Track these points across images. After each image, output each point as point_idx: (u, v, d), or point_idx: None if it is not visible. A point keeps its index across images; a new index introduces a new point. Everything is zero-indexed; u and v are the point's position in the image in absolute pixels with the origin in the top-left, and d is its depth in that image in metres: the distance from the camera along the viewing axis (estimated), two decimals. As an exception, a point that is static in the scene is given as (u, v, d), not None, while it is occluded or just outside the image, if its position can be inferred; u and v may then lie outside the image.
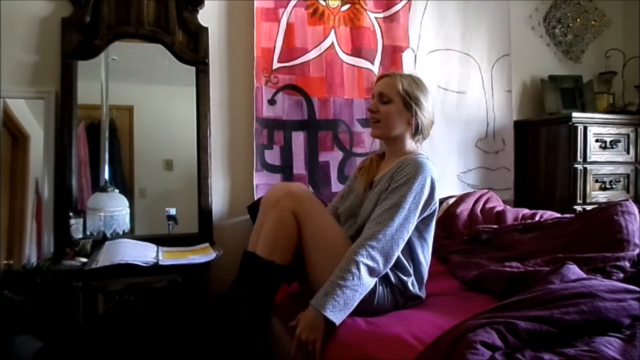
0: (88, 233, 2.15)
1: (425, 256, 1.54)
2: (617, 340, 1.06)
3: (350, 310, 1.32)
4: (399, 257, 1.43)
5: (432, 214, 1.52)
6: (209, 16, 2.45)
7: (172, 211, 2.35)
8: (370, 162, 1.67)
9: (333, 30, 2.62)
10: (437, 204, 1.53)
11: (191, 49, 2.38)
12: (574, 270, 1.44)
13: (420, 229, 1.49)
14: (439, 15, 2.83)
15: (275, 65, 2.54)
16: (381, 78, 1.58)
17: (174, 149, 2.46)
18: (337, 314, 1.28)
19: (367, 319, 1.37)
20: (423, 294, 1.55)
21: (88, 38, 2.24)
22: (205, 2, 2.41)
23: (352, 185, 1.70)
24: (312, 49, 2.59)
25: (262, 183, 2.51)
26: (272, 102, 2.53)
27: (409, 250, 1.49)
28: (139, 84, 2.47)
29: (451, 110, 2.87)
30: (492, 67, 2.95)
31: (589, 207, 2.46)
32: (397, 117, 1.52)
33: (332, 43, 2.61)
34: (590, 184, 2.72)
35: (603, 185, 2.75)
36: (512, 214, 2.26)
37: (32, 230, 2.20)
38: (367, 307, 1.38)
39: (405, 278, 1.46)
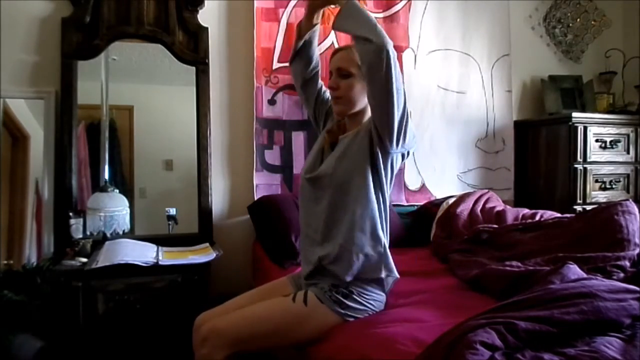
0: (88, 233, 2.15)
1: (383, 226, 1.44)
2: (617, 340, 1.06)
3: (363, 18, 1.30)
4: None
5: (392, 171, 1.44)
6: (209, 16, 2.45)
7: (172, 211, 2.35)
8: (337, 125, 1.59)
9: (333, 30, 2.61)
10: (399, 160, 1.45)
11: (191, 49, 2.38)
12: (574, 270, 1.44)
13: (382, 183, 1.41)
14: (439, 15, 2.83)
15: (275, 65, 2.54)
16: (336, 52, 1.52)
17: (174, 149, 2.46)
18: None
19: (365, 319, 1.37)
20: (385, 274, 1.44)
21: (88, 38, 2.24)
22: (205, 2, 2.42)
23: (319, 142, 1.62)
24: (312, 49, 2.59)
25: (262, 183, 2.51)
26: (272, 102, 2.53)
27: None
28: (139, 84, 2.47)
29: (451, 110, 2.87)
30: (492, 67, 2.95)
31: (589, 207, 2.46)
32: (359, 90, 1.45)
33: (332, 43, 2.61)
34: (590, 184, 2.72)
35: (603, 185, 2.75)
36: (512, 213, 2.26)
37: (32, 230, 2.21)
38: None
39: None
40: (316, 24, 1.57)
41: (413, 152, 2.78)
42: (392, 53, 1.27)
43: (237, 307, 1.47)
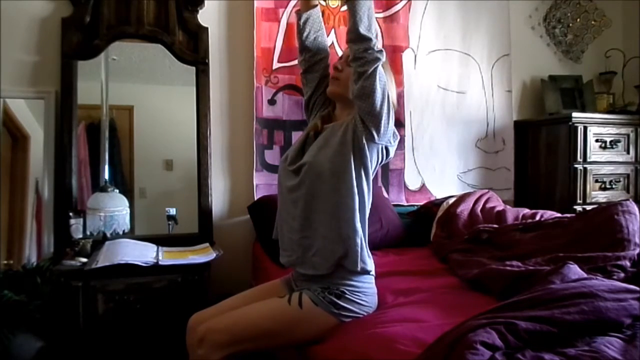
0: (88, 233, 2.15)
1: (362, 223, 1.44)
2: (617, 340, 1.06)
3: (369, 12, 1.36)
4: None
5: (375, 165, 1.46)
6: (209, 16, 2.45)
7: (172, 211, 2.35)
8: (327, 113, 1.66)
9: (333, 30, 2.62)
10: (384, 154, 1.47)
11: (191, 49, 2.38)
12: (574, 270, 1.44)
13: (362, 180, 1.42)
14: (439, 15, 2.83)
15: (275, 65, 2.54)
16: None
17: (174, 149, 2.46)
18: None
19: (365, 319, 1.38)
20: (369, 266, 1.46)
21: (88, 38, 2.24)
22: (205, 2, 2.41)
23: (307, 128, 1.66)
24: (312, 49, 2.58)
25: (262, 183, 2.51)
26: (272, 102, 2.53)
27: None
28: (139, 84, 2.47)
29: (451, 110, 2.87)
30: (492, 67, 2.95)
31: (589, 207, 2.46)
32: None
33: (332, 43, 2.61)
34: (590, 184, 2.72)
35: (603, 185, 2.75)
36: (513, 213, 2.26)
37: (32, 230, 2.20)
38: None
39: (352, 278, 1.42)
40: (315, 6, 1.62)
41: (413, 152, 2.78)
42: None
43: (230, 308, 1.48)
